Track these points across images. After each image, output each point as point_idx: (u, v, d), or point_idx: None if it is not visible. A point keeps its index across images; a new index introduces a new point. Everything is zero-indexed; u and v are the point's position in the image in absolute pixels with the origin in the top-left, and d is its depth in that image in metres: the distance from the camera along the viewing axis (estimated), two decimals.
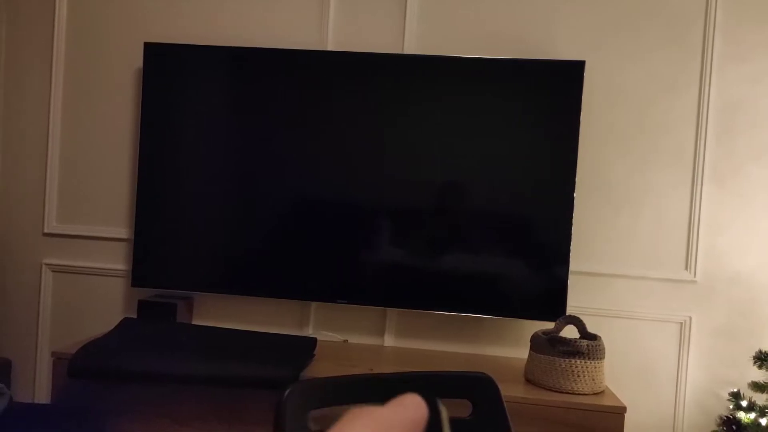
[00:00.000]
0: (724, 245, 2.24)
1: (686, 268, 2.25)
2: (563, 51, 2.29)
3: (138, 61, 2.44)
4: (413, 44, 2.34)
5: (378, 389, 1.09)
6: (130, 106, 2.46)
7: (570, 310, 2.25)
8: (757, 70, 2.23)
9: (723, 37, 2.24)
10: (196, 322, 2.43)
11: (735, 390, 2.06)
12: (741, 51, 2.24)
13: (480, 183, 2.21)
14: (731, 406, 2.03)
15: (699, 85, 2.25)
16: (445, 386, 1.13)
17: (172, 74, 2.32)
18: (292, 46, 2.38)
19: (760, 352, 1.99)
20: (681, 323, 2.25)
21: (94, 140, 2.48)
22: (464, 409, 1.13)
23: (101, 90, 2.48)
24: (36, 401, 2.48)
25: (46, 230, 2.49)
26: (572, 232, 2.17)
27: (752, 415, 1.94)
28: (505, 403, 1.14)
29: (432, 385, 1.12)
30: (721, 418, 2.03)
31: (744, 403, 1.99)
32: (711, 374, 2.24)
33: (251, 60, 2.29)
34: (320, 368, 1.97)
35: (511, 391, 1.86)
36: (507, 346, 2.32)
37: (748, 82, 2.24)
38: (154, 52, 2.32)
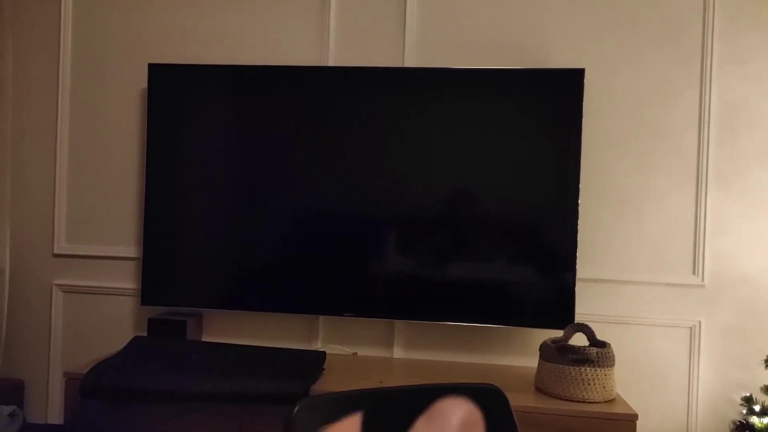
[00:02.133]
0: (731, 248, 2.24)
1: (694, 272, 2.25)
2: (563, 59, 2.31)
3: (142, 81, 2.48)
4: (413, 57, 2.36)
5: (387, 402, 1.10)
6: (135, 126, 2.49)
7: (578, 317, 2.25)
8: (756, 70, 2.24)
9: (721, 38, 2.25)
10: (205, 338, 2.45)
11: (747, 394, 2.04)
12: (740, 52, 2.24)
13: (484, 193, 2.22)
14: (744, 411, 2.02)
15: (699, 88, 2.26)
16: None
17: (177, 94, 2.35)
18: (294, 62, 2.41)
19: None
20: (690, 328, 2.24)
21: (101, 161, 2.51)
22: None
23: (107, 111, 2.51)
24: (49, 422, 2.50)
25: (56, 251, 2.52)
26: (578, 239, 2.17)
27: (765, 420, 1.93)
28: (514, 414, 1.14)
29: (440, 397, 1.13)
30: (734, 423, 2.02)
31: (757, 408, 1.98)
32: (723, 378, 2.23)
33: (254, 78, 2.32)
34: (330, 382, 1.97)
35: (521, 400, 1.86)
36: (516, 355, 2.31)
37: (748, 83, 2.24)
38: (158, 73, 2.36)
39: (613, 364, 1.90)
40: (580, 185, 2.17)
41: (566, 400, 1.87)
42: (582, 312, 2.27)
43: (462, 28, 2.36)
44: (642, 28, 2.29)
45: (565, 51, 2.31)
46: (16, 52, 2.54)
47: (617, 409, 1.82)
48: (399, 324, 2.37)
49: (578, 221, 2.16)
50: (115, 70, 2.51)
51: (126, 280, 2.49)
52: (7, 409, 2.26)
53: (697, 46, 2.26)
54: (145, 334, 2.40)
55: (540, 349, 1.99)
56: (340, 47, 2.41)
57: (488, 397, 1.14)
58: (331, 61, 2.40)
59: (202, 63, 2.41)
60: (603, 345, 1.93)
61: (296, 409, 0.98)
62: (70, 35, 2.52)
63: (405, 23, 2.36)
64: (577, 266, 2.17)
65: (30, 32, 2.55)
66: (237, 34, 2.46)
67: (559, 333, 2.21)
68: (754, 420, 1.94)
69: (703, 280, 2.24)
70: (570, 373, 1.87)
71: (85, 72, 2.52)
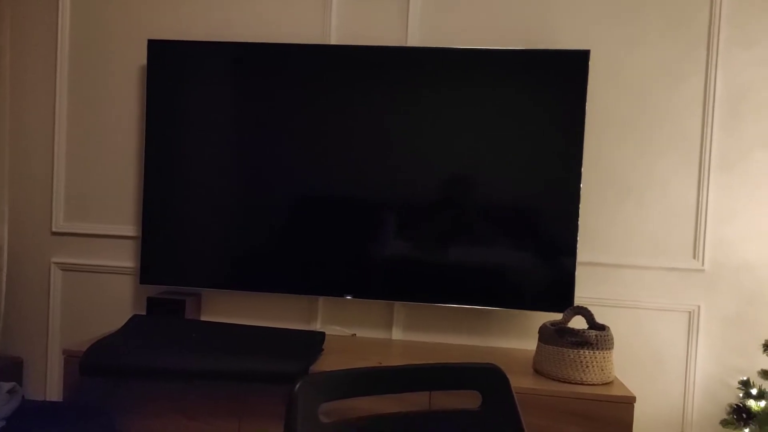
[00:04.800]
0: (732, 233, 2.23)
1: (694, 257, 2.25)
2: (568, 40, 2.28)
3: (142, 58, 2.45)
4: (416, 37, 2.34)
5: (388, 382, 1.10)
6: (135, 103, 2.47)
7: (578, 300, 2.25)
8: (764, 54, 2.22)
9: (729, 22, 2.22)
10: (204, 318, 2.45)
11: (744, 378, 2.05)
12: (747, 36, 2.22)
13: (486, 175, 2.21)
14: (741, 395, 2.03)
15: (705, 72, 2.24)
16: (454, 378, 1.13)
17: (177, 71, 2.32)
18: (296, 40, 2.38)
19: None
20: (689, 312, 2.25)
21: (100, 138, 2.49)
22: (474, 400, 1.14)
23: (106, 88, 2.48)
24: (48, 399, 2.51)
25: (54, 229, 2.51)
26: (579, 222, 2.16)
27: (762, 403, 1.94)
28: (514, 394, 1.14)
29: (441, 377, 1.13)
30: (730, 406, 2.03)
31: (754, 392, 1.99)
32: (720, 363, 2.24)
33: (255, 55, 2.29)
34: (329, 362, 1.98)
35: (519, 382, 1.86)
36: (515, 337, 2.32)
37: (754, 68, 2.22)
38: (158, 49, 2.33)
39: (612, 347, 1.90)
40: (582, 169, 2.16)
41: (564, 382, 1.88)
42: (582, 295, 2.27)
43: (466, 8, 2.33)
44: (648, 10, 2.26)
45: (571, 33, 2.28)
46: (14, 29, 2.50)
47: (615, 391, 1.83)
48: (398, 306, 2.37)
49: (580, 205, 2.16)
50: (114, 46, 2.48)
51: (125, 259, 2.49)
52: (7, 385, 2.26)
53: (704, 30, 2.24)
54: (143, 313, 2.40)
55: (539, 332, 1.99)
56: (342, 26, 2.37)
57: (488, 377, 1.14)
58: (333, 40, 2.37)
59: (203, 39, 2.37)
60: (602, 328, 1.93)
61: (297, 387, 0.98)
62: (69, 11, 2.49)
63: (408, 2, 2.33)
64: (577, 250, 2.17)
65: (28, 8, 2.51)
66: (238, 10, 2.42)
67: (558, 316, 2.21)
68: (751, 403, 1.95)
69: (703, 265, 2.24)
70: (569, 356, 1.87)
71: (83, 48, 2.49)
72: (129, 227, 2.47)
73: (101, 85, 2.49)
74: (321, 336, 2.14)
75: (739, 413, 1.95)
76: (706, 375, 2.24)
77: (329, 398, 1.03)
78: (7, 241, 2.49)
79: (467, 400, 1.18)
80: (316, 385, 1.02)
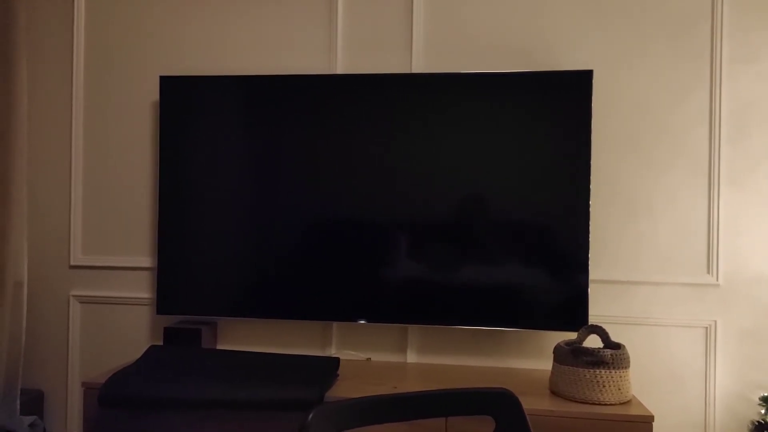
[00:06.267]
0: (746, 246, 2.22)
1: (708, 272, 2.23)
2: (570, 60, 2.31)
3: (154, 94, 2.51)
4: (421, 63, 2.38)
5: (401, 409, 1.11)
6: (148, 138, 2.53)
7: (592, 319, 2.24)
8: (766, 68, 2.23)
9: (730, 37, 2.24)
10: (220, 346, 2.47)
11: (765, 394, 2.02)
12: (750, 50, 2.23)
13: (494, 196, 2.22)
14: (762, 411, 2.00)
15: (709, 87, 2.25)
16: (466, 403, 1.14)
17: (188, 105, 2.38)
18: (303, 71, 2.43)
19: None
20: (706, 328, 2.23)
21: (115, 173, 2.55)
22: (488, 425, 1.14)
23: (120, 123, 2.55)
24: None
25: (72, 263, 2.56)
26: (590, 240, 2.16)
27: None
28: (527, 417, 1.14)
29: (454, 403, 1.13)
30: (753, 423, 2.00)
31: None
32: (740, 378, 2.21)
33: (264, 87, 2.34)
34: (344, 388, 1.98)
35: (536, 404, 1.85)
36: (530, 358, 2.31)
37: (758, 81, 2.23)
38: (170, 85, 2.39)
39: (628, 366, 1.89)
40: (590, 186, 2.17)
41: (581, 402, 1.86)
42: (596, 314, 2.26)
43: (469, 33, 2.37)
44: (649, 27, 2.28)
45: (573, 52, 2.31)
46: (30, 68, 2.58)
47: (633, 411, 1.81)
48: (412, 329, 2.37)
49: (590, 223, 2.16)
50: (127, 83, 2.55)
51: (141, 290, 2.53)
52: (28, 419, 2.30)
53: (706, 44, 2.25)
54: (161, 343, 2.43)
55: (554, 352, 1.99)
56: (347, 55, 2.43)
57: (500, 402, 1.14)
58: (339, 69, 2.42)
59: (213, 74, 2.44)
60: (617, 347, 1.92)
61: (311, 416, 0.99)
62: (83, 51, 2.57)
63: (412, 29, 2.38)
64: (589, 268, 2.17)
65: (43, 51, 2.59)
66: (246, 44, 2.48)
67: (572, 335, 2.20)
68: None
69: (717, 280, 2.22)
70: (585, 376, 1.86)
71: (97, 86, 2.57)
72: (145, 259, 2.52)
73: (115, 121, 2.55)
74: (336, 362, 2.15)
75: (762, 430, 1.92)
76: (727, 391, 2.21)
77: (343, 427, 1.04)
78: (27, 275, 2.55)
79: (484, 423, 1.18)
80: (329, 414, 1.03)
